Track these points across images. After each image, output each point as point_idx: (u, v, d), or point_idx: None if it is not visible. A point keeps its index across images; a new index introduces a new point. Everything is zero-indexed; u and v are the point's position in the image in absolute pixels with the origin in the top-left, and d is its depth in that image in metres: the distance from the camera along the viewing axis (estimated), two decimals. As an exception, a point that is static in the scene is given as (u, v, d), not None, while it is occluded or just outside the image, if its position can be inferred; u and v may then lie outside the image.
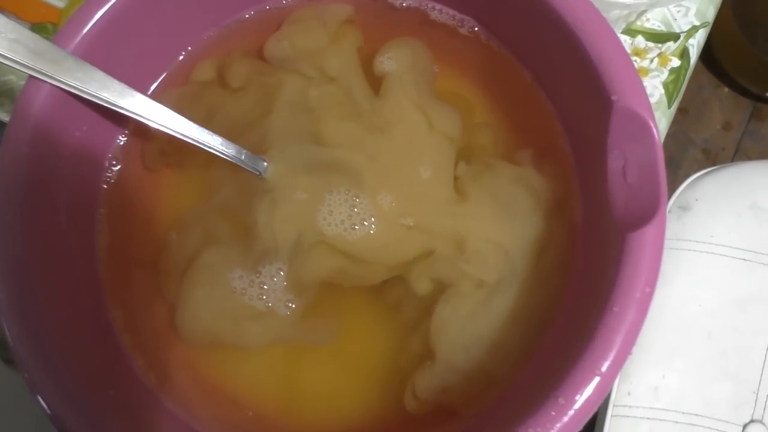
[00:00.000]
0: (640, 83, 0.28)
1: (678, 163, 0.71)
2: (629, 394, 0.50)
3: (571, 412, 0.25)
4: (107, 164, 0.35)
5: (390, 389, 0.32)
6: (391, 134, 0.34)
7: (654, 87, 0.37)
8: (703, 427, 0.49)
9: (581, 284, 0.30)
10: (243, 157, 0.33)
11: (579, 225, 0.32)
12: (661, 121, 0.38)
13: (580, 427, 0.25)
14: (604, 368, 0.25)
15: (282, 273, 0.33)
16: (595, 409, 0.25)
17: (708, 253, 0.53)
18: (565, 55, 0.30)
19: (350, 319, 0.33)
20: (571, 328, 0.28)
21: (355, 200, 0.33)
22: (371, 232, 0.33)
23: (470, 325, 0.31)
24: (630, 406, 0.50)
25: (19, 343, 0.27)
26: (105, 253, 0.34)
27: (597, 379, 0.25)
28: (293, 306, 0.33)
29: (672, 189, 0.55)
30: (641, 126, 0.27)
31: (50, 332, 0.29)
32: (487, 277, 0.31)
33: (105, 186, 0.35)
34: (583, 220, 0.32)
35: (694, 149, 0.73)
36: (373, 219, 0.32)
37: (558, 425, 0.25)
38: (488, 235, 0.32)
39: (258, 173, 0.33)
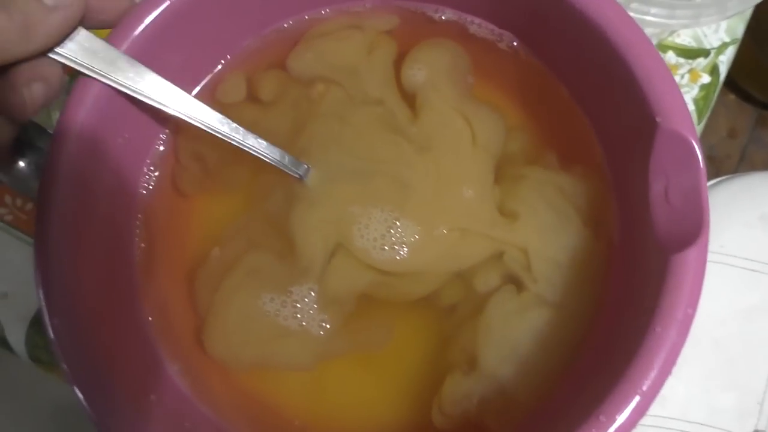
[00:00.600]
0: (685, 105, 0.28)
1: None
2: (637, 402, 0.51)
3: (611, 431, 0.25)
4: (146, 170, 0.35)
5: (421, 401, 0.32)
6: (435, 152, 0.34)
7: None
8: (708, 436, 0.49)
9: (619, 304, 0.30)
10: (286, 160, 0.33)
11: (616, 243, 0.32)
12: (692, 138, 0.38)
13: (620, 445, 0.25)
14: (645, 387, 0.25)
15: (313, 293, 0.33)
16: (634, 428, 0.25)
17: (717, 263, 0.54)
18: (608, 74, 0.30)
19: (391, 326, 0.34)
20: (610, 347, 0.29)
21: (395, 222, 0.33)
22: (401, 255, 0.33)
23: (515, 331, 0.31)
24: (638, 414, 0.51)
25: (60, 344, 0.27)
26: (142, 259, 0.34)
27: (638, 398, 0.25)
28: (327, 326, 0.33)
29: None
30: (686, 149, 0.27)
31: (89, 333, 0.29)
32: (550, 297, 0.31)
33: (143, 192, 0.35)
34: (621, 239, 0.32)
35: (708, 162, 0.73)
36: (412, 238, 0.33)
37: (599, 443, 0.25)
38: (544, 250, 0.32)
39: (299, 177, 0.33)
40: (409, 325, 0.34)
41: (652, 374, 0.25)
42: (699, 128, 0.38)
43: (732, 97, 0.64)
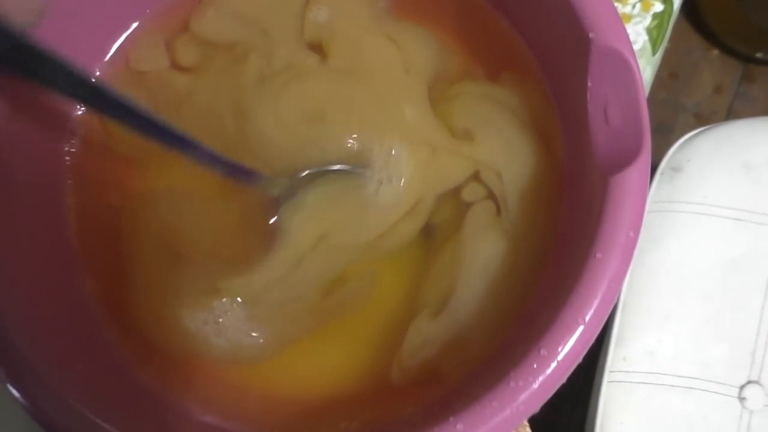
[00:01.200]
0: (619, 20, 0.26)
1: (670, 128, 0.70)
2: (625, 359, 0.49)
3: (553, 364, 0.24)
4: (68, 134, 0.33)
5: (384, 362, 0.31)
6: (360, 77, 0.32)
7: (637, 33, 0.36)
8: (700, 390, 0.48)
9: (567, 232, 0.29)
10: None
11: (564, 169, 0.30)
12: (646, 69, 0.36)
13: (563, 379, 0.24)
14: (587, 317, 0.24)
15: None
16: (578, 360, 0.24)
17: (701, 214, 0.52)
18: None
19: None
20: (557, 280, 0.27)
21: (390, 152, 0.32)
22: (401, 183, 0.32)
23: (481, 251, 0.30)
24: (626, 372, 0.49)
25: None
26: (76, 227, 0.33)
27: (580, 328, 0.24)
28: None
29: (663, 154, 0.54)
30: (621, 64, 0.26)
31: (11, 306, 0.28)
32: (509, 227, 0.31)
33: (68, 158, 0.33)
34: (567, 164, 0.30)
35: (686, 114, 0.72)
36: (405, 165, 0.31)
37: (541, 378, 0.24)
38: (511, 168, 0.31)
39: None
40: (385, 280, 0.32)
41: (594, 303, 0.24)
42: (655, 59, 0.36)
43: (716, 52, 0.63)
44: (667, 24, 0.36)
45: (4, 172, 0.30)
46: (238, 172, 0.32)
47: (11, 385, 0.26)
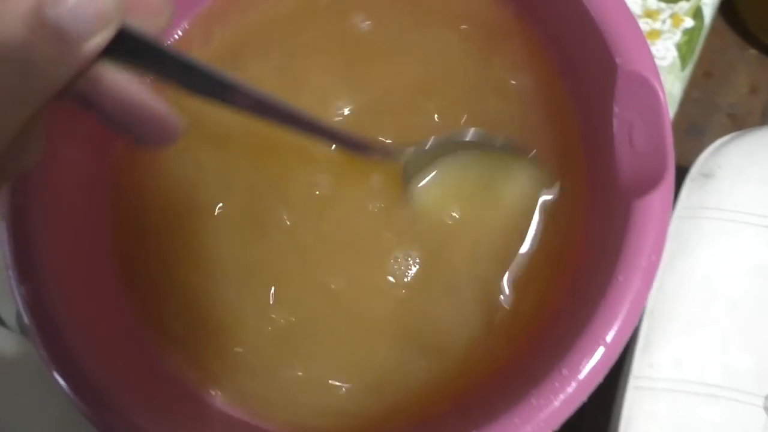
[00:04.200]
0: (646, 45, 0.27)
1: (703, 129, 0.69)
2: (651, 365, 0.49)
3: (574, 384, 0.24)
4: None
5: None
6: None
7: (667, 49, 0.36)
8: (726, 398, 0.48)
9: (586, 253, 0.29)
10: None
11: (584, 191, 0.31)
12: (675, 85, 0.36)
13: (585, 399, 0.25)
14: (609, 338, 0.25)
15: None
16: (599, 380, 0.25)
17: (732, 221, 0.52)
18: (569, 13, 0.29)
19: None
20: (574, 298, 0.28)
21: None
22: None
23: None
24: (652, 378, 0.49)
25: (29, 315, 0.28)
26: (113, 220, 0.34)
27: (602, 349, 0.25)
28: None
29: (696, 156, 0.53)
30: (647, 90, 0.26)
31: (58, 299, 0.29)
32: None
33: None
34: (589, 187, 0.31)
35: (720, 114, 0.71)
36: None
37: (562, 396, 0.24)
38: None
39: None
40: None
41: (616, 324, 0.25)
42: (684, 74, 0.36)
43: (753, 52, 0.62)
44: (698, 40, 0.36)
45: (59, 168, 0.31)
46: (356, 144, 0.30)
47: (59, 376, 0.27)
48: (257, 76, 0.34)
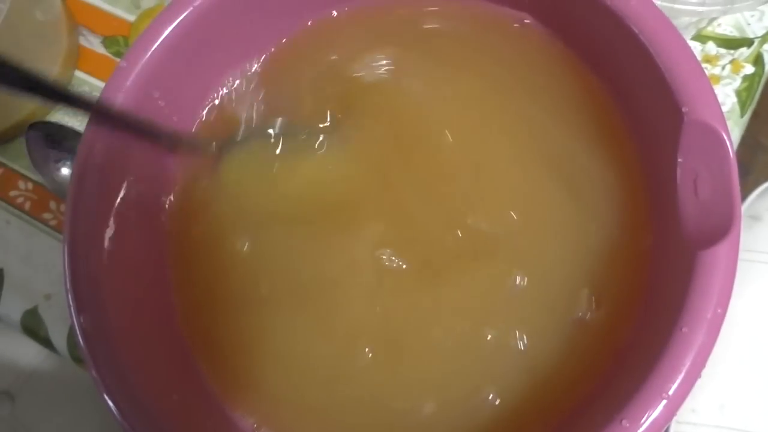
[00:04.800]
0: (713, 93, 0.27)
1: (748, 168, 0.68)
2: (693, 411, 0.49)
3: (635, 436, 0.24)
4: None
5: None
6: None
7: (726, 95, 0.36)
8: (770, 446, 0.47)
9: (648, 303, 0.29)
10: None
11: (648, 242, 0.31)
12: (734, 131, 0.36)
13: (645, 452, 0.24)
14: (671, 391, 0.24)
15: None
16: (661, 433, 0.24)
17: (776, 264, 0.51)
18: (634, 64, 0.29)
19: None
20: (639, 348, 0.27)
21: None
22: None
23: None
24: (694, 424, 0.49)
25: (86, 343, 0.28)
26: (173, 252, 0.35)
27: (664, 402, 0.24)
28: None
29: (742, 197, 0.53)
30: (714, 139, 0.26)
31: (115, 331, 0.29)
32: None
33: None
34: (653, 236, 0.30)
35: (765, 155, 0.70)
36: None
37: (622, 448, 0.24)
38: None
39: None
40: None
41: (679, 377, 0.24)
42: (743, 120, 0.36)
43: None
44: (758, 86, 0.36)
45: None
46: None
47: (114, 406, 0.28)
48: None
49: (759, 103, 0.64)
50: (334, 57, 0.36)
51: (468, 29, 0.35)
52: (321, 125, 0.35)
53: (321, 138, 0.34)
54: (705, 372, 0.49)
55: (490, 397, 0.30)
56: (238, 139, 0.35)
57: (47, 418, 0.62)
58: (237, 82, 0.36)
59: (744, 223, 0.54)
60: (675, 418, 0.49)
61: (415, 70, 0.35)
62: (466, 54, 0.35)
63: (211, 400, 0.32)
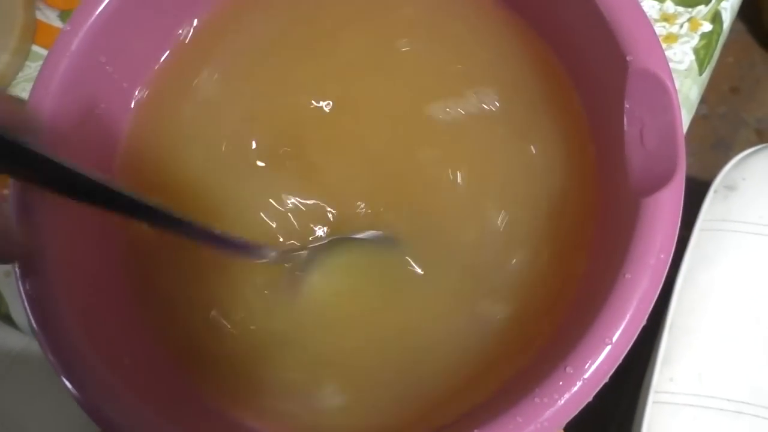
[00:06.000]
0: (657, 42, 0.26)
1: (730, 144, 0.68)
2: (671, 380, 0.49)
3: (579, 382, 0.24)
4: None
5: None
6: None
7: (684, 53, 0.36)
8: (750, 415, 0.47)
9: (596, 250, 0.29)
10: None
11: (594, 189, 0.30)
12: (693, 89, 0.36)
13: (590, 398, 0.24)
14: (615, 337, 0.24)
15: None
16: (605, 380, 0.24)
17: (755, 234, 0.51)
18: (577, 14, 0.29)
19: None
20: (585, 299, 0.27)
21: None
22: None
23: None
24: (672, 393, 0.49)
25: (32, 309, 0.28)
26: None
27: (608, 348, 0.24)
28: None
29: (720, 169, 0.53)
30: (658, 87, 0.26)
31: (67, 299, 0.29)
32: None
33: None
34: (599, 185, 0.30)
35: (747, 130, 0.70)
36: None
37: (566, 395, 0.24)
38: None
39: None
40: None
41: (622, 323, 0.24)
42: (701, 79, 0.36)
43: (781, 67, 0.61)
44: (716, 44, 0.35)
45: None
46: (240, 247, 0.31)
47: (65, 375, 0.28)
48: None
49: (740, 79, 0.64)
50: None
51: None
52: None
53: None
54: (683, 341, 0.49)
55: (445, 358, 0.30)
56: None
57: (30, 405, 0.63)
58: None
59: (719, 194, 0.54)
60: (652, 387, 0.49)
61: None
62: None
63: (162, 364, 0.32)
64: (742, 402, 0.49)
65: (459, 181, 0.32)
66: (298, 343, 0.32)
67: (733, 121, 0.69)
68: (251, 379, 0.31)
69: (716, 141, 0.67)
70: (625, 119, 0.27)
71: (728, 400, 0.49)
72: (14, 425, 0.60)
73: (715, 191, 0.53)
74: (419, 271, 0.31)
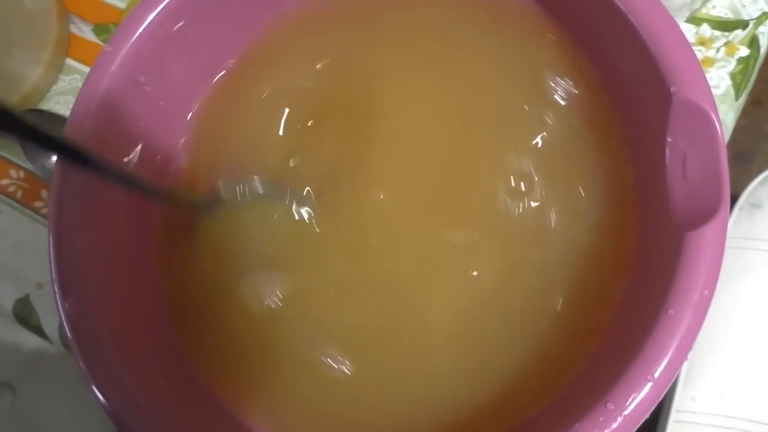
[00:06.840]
0: (702, 73, 0.26)
1: (751, 157, 0.67)
2: (693, 399, 0.48)
3: (620, 419, 0.24)
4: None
5: None
6: None
7: (720, 78, 0.35)
8: (772, 436, 0.47)
9: (634, 286, 0.29)
10: None
11: (633, 218, 0.30)
12: (729, 114, 0.35)
13: (630, 434, 0.24)
14: (656, 374, 0.24)
15: None
16: (646, 416, 0.24)
17: (777, 252, 0.50)
18: (622, 44, 0.28)
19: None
20: (623, 330, 0.27)
21: None
22: None
23: None
24: (694, 412, 0.48)
25: (71, 329, 0.28)
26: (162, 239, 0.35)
27: (649, 384, 0.24)
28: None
29: (744, 185, 0.52)
30: (702, 119, 0.26)
31: (105, 320, 0.29)
32: None
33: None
34: (639, 218, 0.30)
35: (768, 143, 0.69)
36: None
37: (606, 431, 0.24)
38: None
39: None
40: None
41: (665, 359, 0.24)
42: (738, 104, 0.35)
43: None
44: (753, 69, 0.35)
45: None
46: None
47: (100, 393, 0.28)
48: None
49: (762, 92, 0.63)
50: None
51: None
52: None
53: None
54: (706, 360, 0.49)
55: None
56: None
57: (49, 409, 0.63)
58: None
59: (745, 211, 0.53)
60: (674, 406, 0.48)
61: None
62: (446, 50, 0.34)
63: (198, 388, 0.32)
64: (764, 423, 0.48)
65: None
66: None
67: (754, 134, 0.69)
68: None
69: (737, 153, 0.66)
70: (667, 150, 0.27)
71: (750, 420, 0.48)
72: (33, 428, 0.61)
73: (740, 209, 0.53)
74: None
